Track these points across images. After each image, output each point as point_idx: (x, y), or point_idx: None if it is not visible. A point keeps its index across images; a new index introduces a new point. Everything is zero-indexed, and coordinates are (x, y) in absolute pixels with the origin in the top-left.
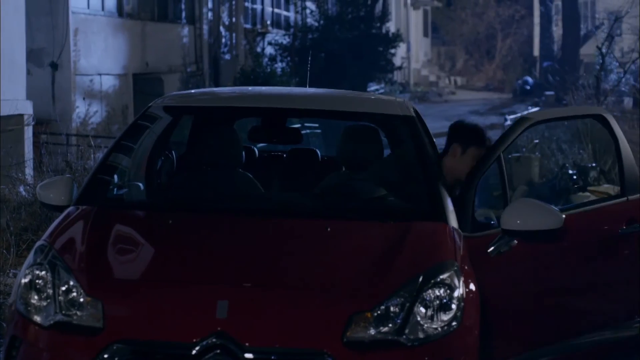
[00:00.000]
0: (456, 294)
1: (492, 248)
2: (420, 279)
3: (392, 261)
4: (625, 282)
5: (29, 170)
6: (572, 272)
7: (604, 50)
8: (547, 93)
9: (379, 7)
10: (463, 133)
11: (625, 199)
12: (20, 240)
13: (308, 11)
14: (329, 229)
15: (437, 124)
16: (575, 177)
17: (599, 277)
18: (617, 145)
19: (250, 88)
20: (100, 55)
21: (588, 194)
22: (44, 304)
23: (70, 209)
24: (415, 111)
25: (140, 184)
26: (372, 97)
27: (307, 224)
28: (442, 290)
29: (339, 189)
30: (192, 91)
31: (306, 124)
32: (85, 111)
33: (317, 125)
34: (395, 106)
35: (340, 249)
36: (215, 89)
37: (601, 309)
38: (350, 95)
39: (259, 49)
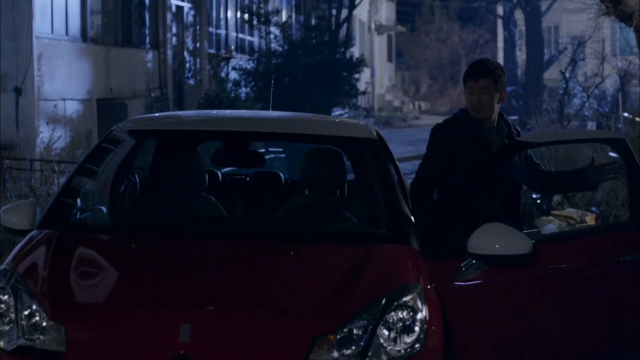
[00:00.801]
0: (419, 316)
1: (460, 273)
2: (383, 301)
3: (355, 284)
4: (626, 311)
5: None
6: (571, 300)
7: (567, 75)
8: (511, 117)
9: (343, 32)
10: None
11: (635, 227)
12: None
13: (272, 36)
14: (292, 252)
15: (401, 149)
16: (539, 201)
17: (599, 306)
18: (632, 172)
19: (214, 111)
20: (64, 81)
21: (552, 217)
22: (7, 328)
23: (33, 233)
24: (378, 134)
25: (104, 208)
26: (336, 120)
27: (270, 247)
28: (405, 313)
29: (302, 212)
30: (156, 114)
31: (270, 149)
32: (49, 136)
33: (281, 149)
34: (359, 129)
35: (303, 272)
36: (178, 112)
37: (600, 338)
38: (313, 119)
39: (223, 74)
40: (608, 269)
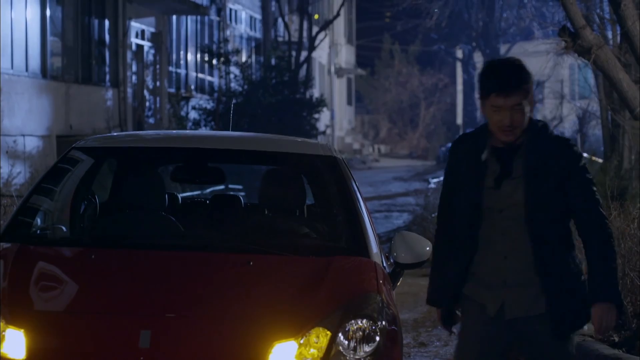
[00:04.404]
0: (379, 326)
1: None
2: (344, 310)
3: (315, 293)
4: None
5: None
6: None
7: None
8: None
9: (302, 73)
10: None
11: None
12: None
13: (232, 76)
14: (251, 263)
15: (361, 189)
16: None
17: None
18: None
19: (173, 131)
20: (24, 116)
21: None
22: None
23: None
24: (339, 153)
25: (63, 227)
26: (297, 140)
27: (230, 257)
28: (364, 322)
29: (262, 227)
30: (114, 134)
31: (230, 185)
32: (9, 172)
33: (240, 187)
34: (318, 148)
35: (264, 281)
36: (138, 132)
37: None
38: (273, 138)
39: (183, 113)
40: None
